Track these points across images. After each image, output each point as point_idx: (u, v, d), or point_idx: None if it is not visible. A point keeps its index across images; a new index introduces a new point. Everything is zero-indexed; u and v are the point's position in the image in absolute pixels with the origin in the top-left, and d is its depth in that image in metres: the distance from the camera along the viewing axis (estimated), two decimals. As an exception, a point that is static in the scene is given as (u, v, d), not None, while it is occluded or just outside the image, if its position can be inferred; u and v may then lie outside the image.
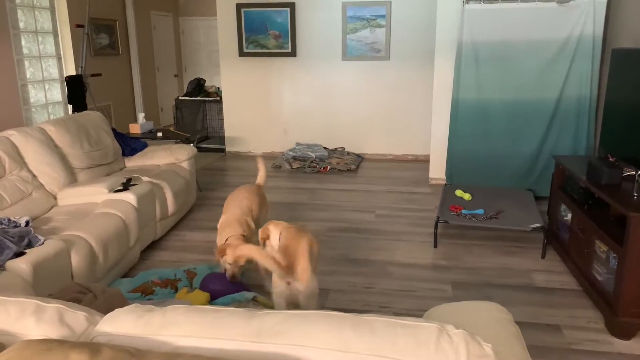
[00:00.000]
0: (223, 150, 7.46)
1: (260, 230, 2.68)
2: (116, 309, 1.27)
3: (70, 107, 5.24)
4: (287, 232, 2.54)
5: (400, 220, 4.62)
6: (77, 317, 1.24)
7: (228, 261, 2.99)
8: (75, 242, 2.77)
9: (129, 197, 3.52)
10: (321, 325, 1.16)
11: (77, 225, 3.03)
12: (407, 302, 3.14)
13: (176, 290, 3.11)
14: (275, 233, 2.58)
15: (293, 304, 2.48)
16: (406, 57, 6.77)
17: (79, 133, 4.08)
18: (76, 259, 2.72)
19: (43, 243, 2.62)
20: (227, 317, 1.22)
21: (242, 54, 7.06)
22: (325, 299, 3.17)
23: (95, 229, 3.01)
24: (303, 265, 2.39)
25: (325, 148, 7.04)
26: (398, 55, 6.78)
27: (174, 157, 4.66)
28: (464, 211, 4.19)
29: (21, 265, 2.41)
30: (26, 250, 2.53)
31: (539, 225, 3.86)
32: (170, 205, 4.09)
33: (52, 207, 3.50)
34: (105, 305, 1.80)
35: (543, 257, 3.84)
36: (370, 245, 4.04)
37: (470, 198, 4.53)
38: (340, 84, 7.04)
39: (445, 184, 5.07)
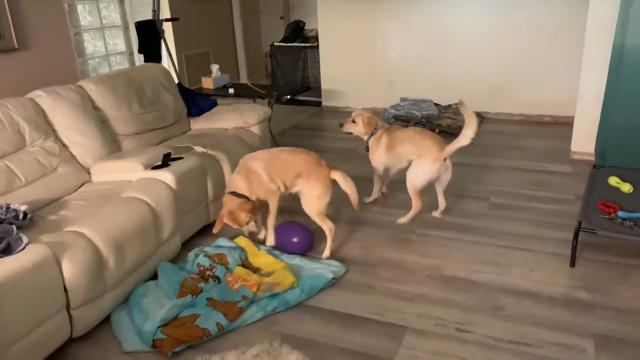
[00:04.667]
0: (319, 104, 6.61)
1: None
2: None
3: (141, 57, 4.70)
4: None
5: (523, 215, 3.43)
6: None
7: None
8: (71, 245, 2.16)
9: (166, 176, 2.85)
10: None
11: (86, 218, 2.43)
12: (520, 365, 2.11)
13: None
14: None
15: None
16: (550, -11, 5.17)
17: (128, 92, 3.48)
18: (70, 270, 2.11)
19: (24, 248, 2.04)
20: None
21: (342, -9, 5.98)
22: (399, 343, 2.26)
23: (108, 223, 2.38)
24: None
25: (436, 105, 5.83)
26: (539, -13, 5.21)
27: (242, 119, 3.91)
28: (620, 213, 2.90)
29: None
30: None
31: None
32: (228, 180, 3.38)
33: (83, 184, 2.97)
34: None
35: None
36: (476, 253, 2.97)
37: (631, 190, 3.18)
38: (461, 26, 5.69)
39: (595, 165, 3.71)
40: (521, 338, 2.27)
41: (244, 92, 4.52)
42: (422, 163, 3.21)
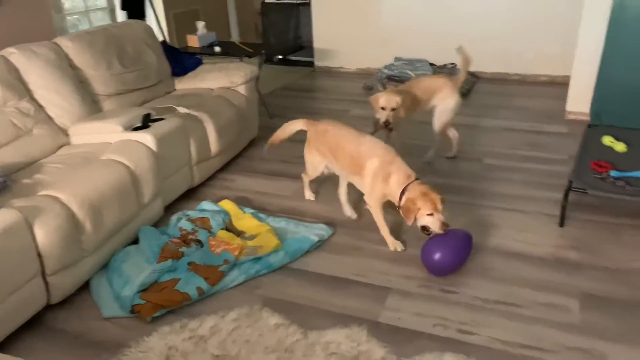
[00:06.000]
0: (312, 64, 6.42)
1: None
2: None
3: (124, 14, 4.49)
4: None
5: (516, 176, 3.36)
6: None
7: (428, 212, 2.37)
8: (44, 210, 2.09)
9: (146, 138, 2.76)
10: None
11: (62, 181, 2.35)
12: (503, 328, 2.08)
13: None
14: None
15: None
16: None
17: (107, 50, 3.34)
18: (43, 235, 2.05)
19: (-7, 213, 1.96)
20: None
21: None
22: (383, 305, 2.23)
23: (84, 187, 2.30)
24: None
25: (431, 65, 5.67)
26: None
27: (228, 79, 3.77)
28: (612, 172, 2.83)
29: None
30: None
31: None
32: (213, 144, 3.29)
33: (61, 147, 2.87)
34: None
35: None
36: (468, 214, 2.91)
37: (625, 149, 3.10)
38: (457, -20, 5.46)
39: (589, 125, 3.61)
40: (508, 298, 2.24)
41: (230, 51, 4.36)
42: (446, 101, 3.41)
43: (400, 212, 2.43)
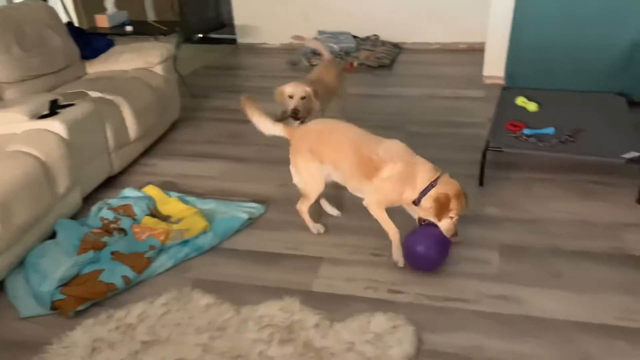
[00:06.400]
0: (235, 41, 6.26)
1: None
2: None
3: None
4: None
5: (438, 141, 3.47)
6: None
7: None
8: (-60, 209, 1.92)
9: (56, 125, 2.58)
10: None
11: (-40, 177, 2.16)
12: (429, 284, 2.16)
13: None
14: None
15: None
16: None
17: (4, 33, 3.07)
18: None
19: None
20: None
21: None
22: (316, 274, 2.25)
23: (-14, 181, 2.13)
24: None
25: (354, 37, 5.69)
26: None
27: (143, 59, 3.60)
28: (526, 130, 3.00)
29: None
30: None
31: (636, 155, 2.65)
32: (132, 128, 3.14)
33: (-43, 141, 2.63)
34: None
35: (639, 201, 2.69)
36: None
37: (537, 109, 3.29)
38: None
39: (504, 87, 3.79)
40: (433, 258, 2.32)
41: (144, 30, 4.15)
42: None
43: (429, 206, 2.12)
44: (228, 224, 2.53)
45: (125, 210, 2.60)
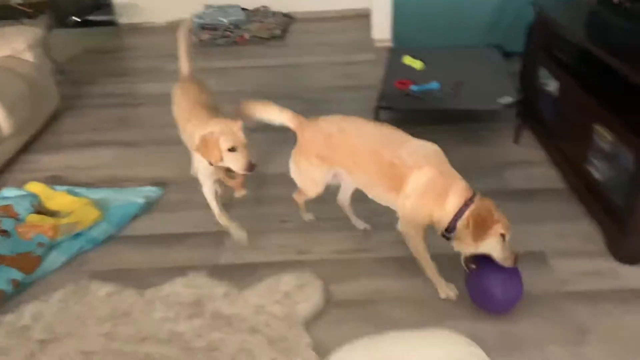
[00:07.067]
0: (114, 23, 5.86)
1: None
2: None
3: None
4: None
5: (334, 107, 3.49)
6: None
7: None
8: None
9: None
10: None
11: None
12: (334, 240, 2.22)
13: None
14: None
15: None
16: None
17: None
18: None
19: None
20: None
21: None
22: (222, 248, 2.22)
23: None
24: None
25: (243, 9, 5.57)
26: None
27: (8, 46, 3.27)
28: (413, 87, 3.14)
29: None
30: None
31: (510, 100, 2.88)
32: (3, 123, 2.86)
33: None
34: None
35: (516, 141, 2.94)
36: (286, 147, 2.96)
37: (423, 67, 3.44)
38: None
39: (391, 48, 3.92)
40: (335, 214, 2.34)
41: (5, 14, 3.76)
42: None
43: (468, 226, 1.71)
44: (123, 210, 2.41)
45: (6, 211, 2.38)
